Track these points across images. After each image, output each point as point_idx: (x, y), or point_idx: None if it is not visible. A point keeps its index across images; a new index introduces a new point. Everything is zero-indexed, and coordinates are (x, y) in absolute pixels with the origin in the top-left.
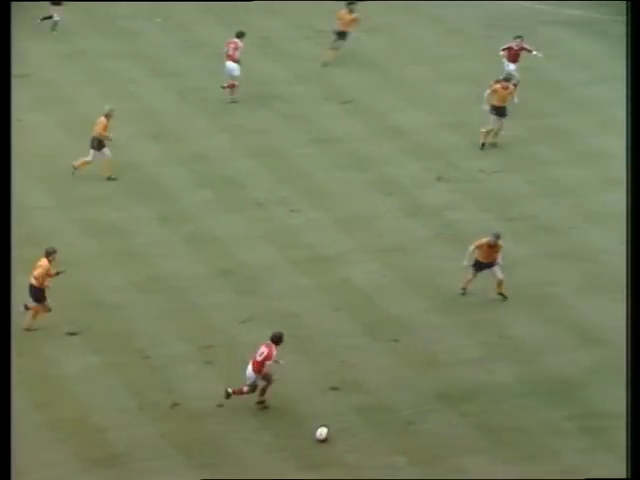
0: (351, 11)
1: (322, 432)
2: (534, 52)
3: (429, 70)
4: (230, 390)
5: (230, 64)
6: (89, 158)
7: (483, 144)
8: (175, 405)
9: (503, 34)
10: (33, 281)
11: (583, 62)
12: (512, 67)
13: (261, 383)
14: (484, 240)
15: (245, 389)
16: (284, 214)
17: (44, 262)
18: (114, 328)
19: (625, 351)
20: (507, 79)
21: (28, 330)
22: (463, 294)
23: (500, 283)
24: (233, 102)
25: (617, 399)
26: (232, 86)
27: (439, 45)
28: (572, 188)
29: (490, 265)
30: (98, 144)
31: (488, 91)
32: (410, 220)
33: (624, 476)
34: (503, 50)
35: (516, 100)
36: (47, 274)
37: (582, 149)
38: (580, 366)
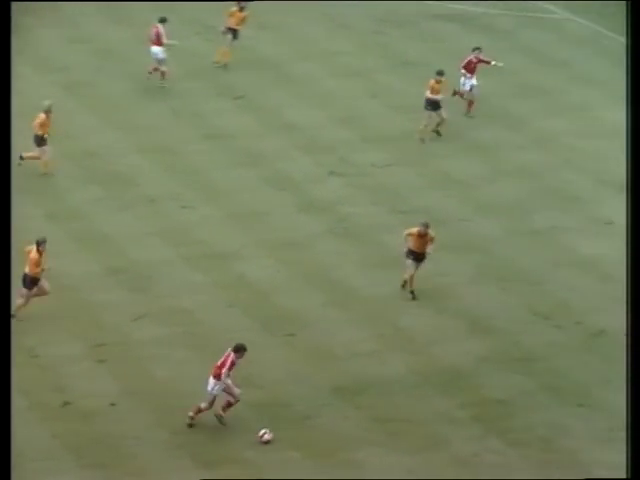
0: (242, 9)
1: (264, 434)
2: (493, 62)
3: (319, 66)
4: (191, 414)
5: (154, 48)
6: (36, 154)
7: (422, 140)
8: (66, 404)
9: (392, 29)
10: (27, 270)
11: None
12: (471, 82)
13: (227, 397)
14: (414, 229)
15: (203, 405)
16: (177, 211)
17: (33, 253)
18: None
19: (515, 338)
20: (440, 73)
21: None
22: (404, 287)
23: (412, 277)
24: (162, 87)
25: (507, 386)
26: (160, 71)
27: (329, 41)
28: (462, 180)
29: (422, 256)
30: (39, 141)
31: (428, 91)
32: (303, 215)
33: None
34: (464, 67)
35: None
36: (38, 263)
37: (471, 142)
38: (471, 355)
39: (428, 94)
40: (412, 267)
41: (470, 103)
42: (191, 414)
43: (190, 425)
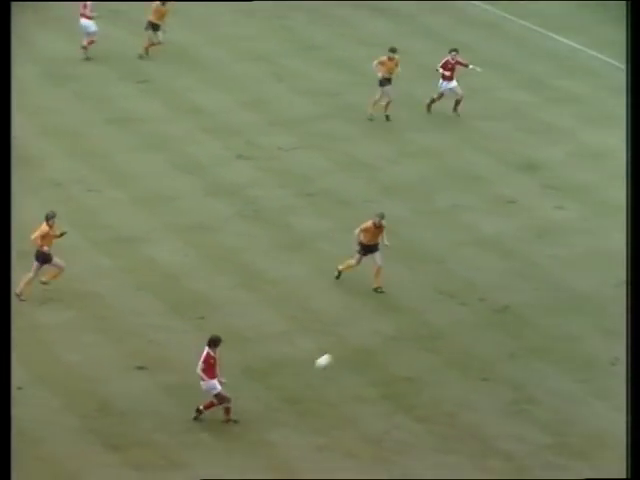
0: (164, 3)
1: (322, 361)
2: (471, 66)
3: (225, 50)
4: (225, 417)
5: (84, 21)
6: None
7: (387, 116)
8: None
9: (297, 14)
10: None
11: (373, 40)
12: (450, 85)
13: (215, 400)
14: (369, 222)
15: (214, 401)
16: (83, 194)
17: (42, 226)
18: None
19: (422, 317)
20: (393, 50)
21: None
22: (338, 277)
23: (379, 271)
24: (87, 59)
25: (414, 364)
26: (90, 43)
27: (234, 26)
28: (367, 162)
29: (375, 248)
30: None
31: (375, 62)
32: (211, 198)
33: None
34: (441, 67)
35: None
36: (45, 236)
37: (375, 124)
38: (379, 334)
39: (381, 72)
40: (356, 260)
41: (457, 102)
42: (225, 417)
43: (227, 421)
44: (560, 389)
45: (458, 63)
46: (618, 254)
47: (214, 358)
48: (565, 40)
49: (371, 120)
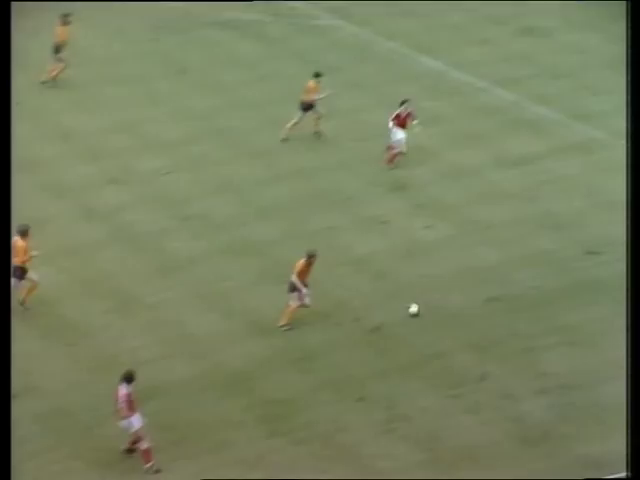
0: (66, 23)
1: (414, 308)
2: (415, 122)
3: (96, 72)
4: (126, 447)
5: None
6: None
7: (286, 138)
8: None
9: (167, 36)
10: (15, 260)
11: (244, 62)
12: (401, 135)
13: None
14: (302, 261)
15: (137, 442)
16: None
17: (19, 241)
18: None
19: (296, 338)
20: (317, 75)
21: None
22: (288, 329)
23: (296, 309)
24: None
25: (289, 386)
26: None
27: (105, 48)
28: (240, 185)
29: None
30: None
31: (306, 94)
32: (83, 223)
33: None
34: (392, 119)
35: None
36: (25, 252)
37: (246, 147)
38: (254, 357)
39: (304, 96)
40: (300, 300)
41: (394, 155)
42: (147, 465)
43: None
44: (431, 406)
45: (409, 115)
46: (486, 271)
47: (130, 394)
48: (431, 60)
49: (319, 136)
